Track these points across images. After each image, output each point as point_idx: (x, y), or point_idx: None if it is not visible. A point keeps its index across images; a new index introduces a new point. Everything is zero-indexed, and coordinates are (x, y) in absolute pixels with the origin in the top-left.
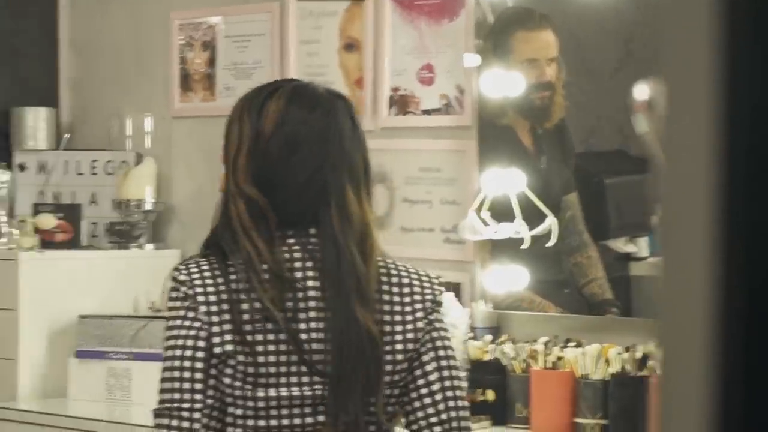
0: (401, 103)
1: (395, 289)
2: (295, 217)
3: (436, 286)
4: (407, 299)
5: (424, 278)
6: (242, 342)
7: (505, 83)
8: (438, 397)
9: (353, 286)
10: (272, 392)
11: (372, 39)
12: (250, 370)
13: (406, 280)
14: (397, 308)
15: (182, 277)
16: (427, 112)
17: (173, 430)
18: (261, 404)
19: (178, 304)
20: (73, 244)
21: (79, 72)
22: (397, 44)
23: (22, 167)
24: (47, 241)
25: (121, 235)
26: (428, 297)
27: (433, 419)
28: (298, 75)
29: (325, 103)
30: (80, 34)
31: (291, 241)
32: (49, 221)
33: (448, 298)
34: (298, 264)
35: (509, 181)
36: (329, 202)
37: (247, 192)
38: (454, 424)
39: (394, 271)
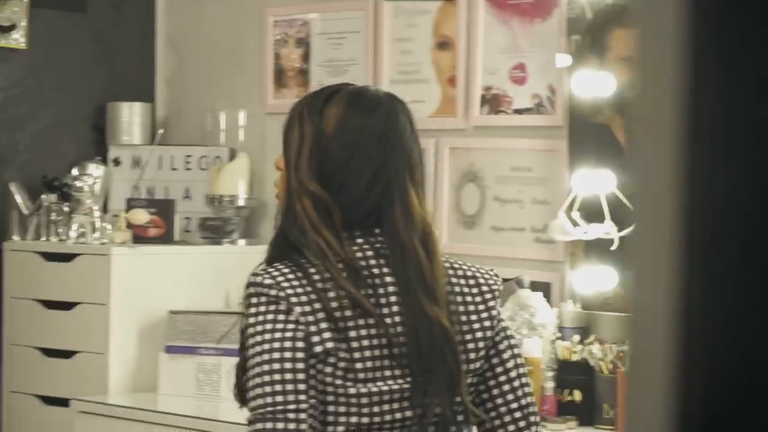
0: (493, 102)
1: (462, 281)
2: (360, 217)
3: (495, 277)
4: (475, 290)
5: (483, 271)
6: (340, 339)
7: (601, 80)
8: (516, 383)
9: (420, 283)
10: (371, 387)
11: (465, 37)
12: (349, 365)
13: (469, 273)
14: (468, 299)
15: (268, 281)
16: (518, 111)
17: None
18: (364, 400)
19: (263, 309)
20: (165, 239)
21: (174, 68)
22: (490, 43)
23: (116, 162)
24: (140, 237)
25: (214, 231)
26: (494, 287)
27: (514, 405)
28: (391, 73)
29: (384, 106)
30: (176, 31)
31: (359, 240)
32: (142, 216)
33: (537, 297)
34: (372, 261)
35: (600, 181)
36: (393, 202)
37: (312, 189)
38: (531, 409)
39: (456, 266)
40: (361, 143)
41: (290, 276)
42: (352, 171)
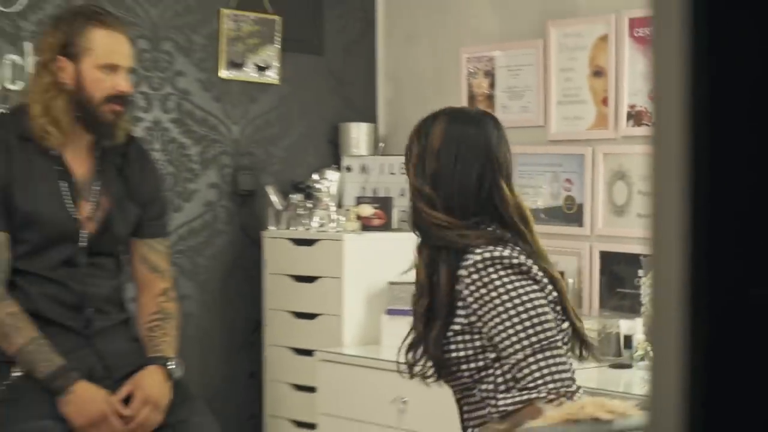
0: (637, 117)
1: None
2: (462, 213)
3: None
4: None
5: None
6: (556, 288)
7: None
8: None
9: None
10: (565, 324)
11: (614, 67)
12: (559, 308)
13: None
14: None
15: (505, 253)
16: None
17: (560, 357)
18: (564, 332)
19: (503, 273)
20: (386, 227)
21: (392, 95)
22: (634, 71)
23: (348, 169)
24: (366, 226)
25: None
26: None
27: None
28: (558, 96)
29: (478, 120)
30: (393, 66)
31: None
32: (368, 210)
33: None
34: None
35: None
36: (493, 197)
37: (427, 192)
38: None
39: None
40: (463, 150)
41: (508, 248)
42: (458, 174)
